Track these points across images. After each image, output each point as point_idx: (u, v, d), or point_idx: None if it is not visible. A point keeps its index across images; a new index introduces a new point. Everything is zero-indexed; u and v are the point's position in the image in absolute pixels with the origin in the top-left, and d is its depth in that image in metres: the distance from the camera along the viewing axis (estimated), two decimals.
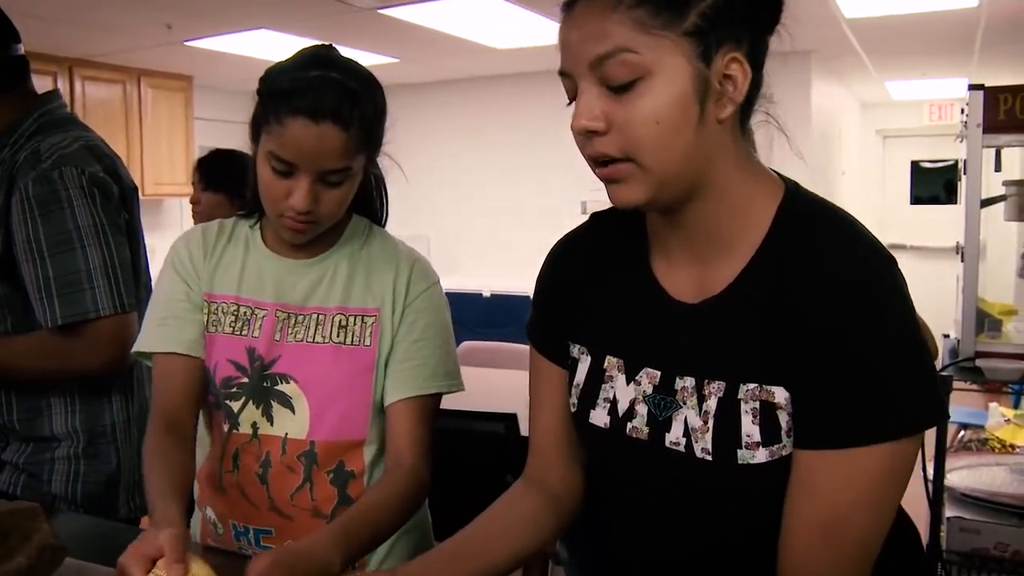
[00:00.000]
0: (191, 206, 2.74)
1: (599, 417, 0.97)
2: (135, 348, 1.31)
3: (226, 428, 1.27)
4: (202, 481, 1.34)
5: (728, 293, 0.88)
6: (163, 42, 4.60)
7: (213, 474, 1.32)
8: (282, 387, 1.25)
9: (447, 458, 1.45)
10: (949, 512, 1.96)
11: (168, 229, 5.94)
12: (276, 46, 4.55)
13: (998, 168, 2.43)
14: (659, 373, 0.92)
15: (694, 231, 0.90)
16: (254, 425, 1.26)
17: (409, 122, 6.61)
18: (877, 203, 7.94)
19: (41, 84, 1.74)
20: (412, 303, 1.28)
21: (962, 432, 2.85)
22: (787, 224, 0.88)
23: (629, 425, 0.94)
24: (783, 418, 0.84)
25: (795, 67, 5.29)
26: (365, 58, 5.22)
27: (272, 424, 1.25)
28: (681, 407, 0.89)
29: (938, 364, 1.70)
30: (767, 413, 0.84)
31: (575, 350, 1.01)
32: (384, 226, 1.40)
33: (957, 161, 3.88)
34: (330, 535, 1.02)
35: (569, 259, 1.05)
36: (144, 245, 1.77)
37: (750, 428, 0.85)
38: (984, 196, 2.19)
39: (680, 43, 0.80)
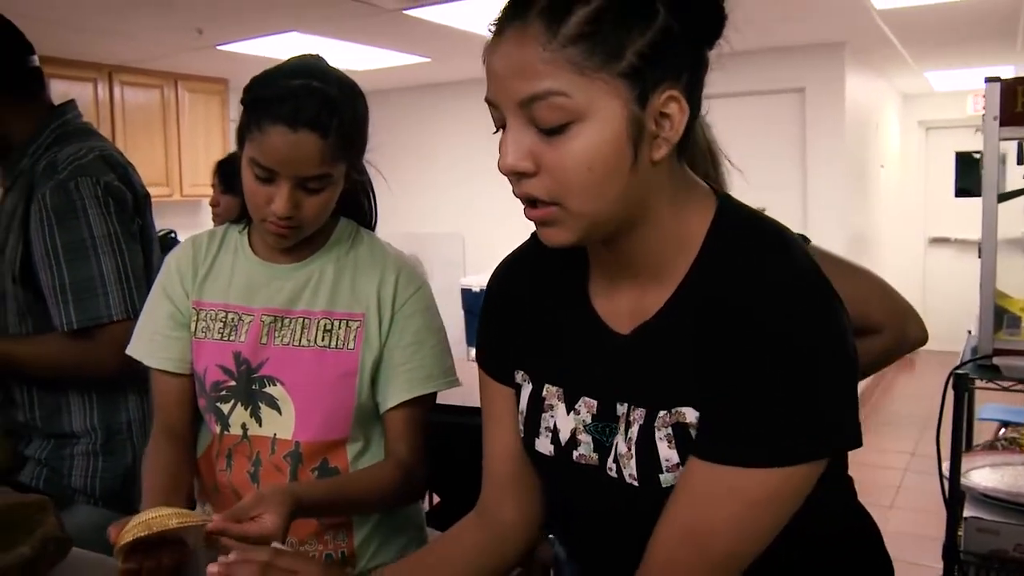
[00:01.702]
0: (211, 208, 2.79)
1: (543, 445, 0.95)
2: (128, 351, 1.38)
3: (218, 430, 1.32)
4: (201, 478, 1.39)
5: (657, 320, 0.87)
6: (196, 47, 4.70)
7: (208, 474, 1.36)
8: (269, 389, 1.29)
9: (450, 454, 1.48)
10: (968, 512, 1.92)
11: (206, 229, 6.05)
12: (307, 48, 4.58)
13: (1020, 161, 2.37)
14: (596, 403, 0.91)
15: (628, 259, 0.88)
16: (244, 426, 1.30)
17: (443, 121, 6.65)
18: (919, 196, 7.79)
19: (81, 91, 1.81)
20: (401, 308, 1.31)
21: (1003, 430, 2.79)
22: (715, 245, 0.85)
23: (575, 453, 0.92)
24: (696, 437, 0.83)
25: (828, 59, 5.22)
26: (397, 59, 5.27)
27: (261, 425, 1.29)
28: (616, 434, 0.89)
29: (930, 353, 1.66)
30: (681, 435, 0.84)
31: (519, 376, 1.00)
32: (373, 229, 1.42)
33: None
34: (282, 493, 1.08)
35: (511, 280, 1.03)
36: (156, 250, 1.82)
37: (667, 452, 0.84)
38: (1010, 189, 2.15)
39: (615, 84, 0.76)
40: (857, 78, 5.56)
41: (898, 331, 1.52)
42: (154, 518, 1.01)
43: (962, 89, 7.11)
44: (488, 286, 1.06)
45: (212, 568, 0.85)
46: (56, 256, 1.58)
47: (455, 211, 6.44)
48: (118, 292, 1.60)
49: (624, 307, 0.90)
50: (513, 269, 1.04)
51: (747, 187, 1.25)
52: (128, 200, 1.69)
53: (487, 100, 0.81)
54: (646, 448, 0.85)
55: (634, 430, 0.87)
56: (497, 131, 0.82)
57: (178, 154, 5.57)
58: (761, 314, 0.78)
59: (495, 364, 1.03)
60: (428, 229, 6.55)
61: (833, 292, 0.81)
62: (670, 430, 0.84)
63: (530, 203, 0.81)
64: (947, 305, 6.59)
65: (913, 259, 7.72)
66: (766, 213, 0.92)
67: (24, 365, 1.65)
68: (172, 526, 1.01)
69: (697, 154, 1.29)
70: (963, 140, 6.93)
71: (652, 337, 0.87)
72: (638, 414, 0.87)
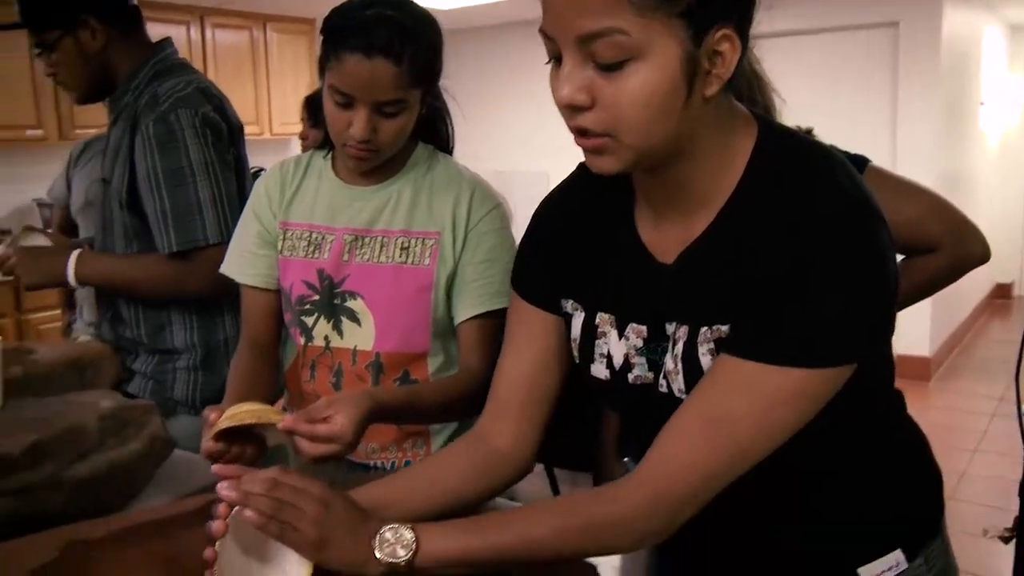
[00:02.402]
0: (301, 141, 2.89)
1: (599, 370, 0.99)
2: (222, 269, 1.49)
3: (302, 342, 1.42)
4: (288, 388, 1.50)
5: (700, 243, 0.90)
6: None
7: (295, 384, 1.47)
8: (350, 303, 1.38)
9: None
10: None
11: None
12: None
13: None
14: (644, 328, 0.94)
15: (673, 188, 0.90)
16: (326, 338, 1.40)
17: (527, 60, 6.61)
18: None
19: (175, 33, 1.92)
20: (474, 227, 1.37)
21: None
22: (757, 168, 0.88)
23: (631, 375, 0.96)
24: None
25: None
26: None
27: (342, 337, 1.39)
28: (666, 353, 0.93)
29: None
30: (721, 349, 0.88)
31: (568, 305, 1.02)
32: (451, 154, 1.48)
33: None
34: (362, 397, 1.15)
35: (559, 211, 1.06)
36: (249, 179, 1.92)
37: (710, 365, 0.88)
38: None
39: (672, 24, 0.77)
40: (956, 12, 5.30)
41: (957, 248, 1.51)
42: (240, 412, 1.11)
43: None
44: (535, 217, 1.08)
45: (221, 487, 0.87)
46: (158, 183, 1.70)
47: (540, 149, 6.43)
48: (213, 217, 1.71)
49: (669, 235, 0.93)
50: (560, 201, 1.07)
51: (832, 124, 1.25)
52: (223, 130, 1.79)
53: (542, 32, 0.83)
54: (690, 363, 0.90)
55: (679, 347, 0.91)
56: (549, 62, 0.84)
57: (267, 93, 5.73)
58: (800, 230, 0.82)
59: (538, 290, 1.06)
60: (514, 167, 6.58)
61: (875, 210, 0.84)
62: (711, 344, 0.88)
63: (581, 133, 0.84)
64: None
65: (1016, 201, 7.39)
66: (813, 135, 0.93)
67: (130, 281, 1.80)
68: (248, 422, 1.10)
69: (742, 82, 1.29)
70: None
71: (695, 261, 0.90)
72: (683, 331, 0.91)
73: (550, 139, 6.34)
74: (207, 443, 1.13)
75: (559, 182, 1.09)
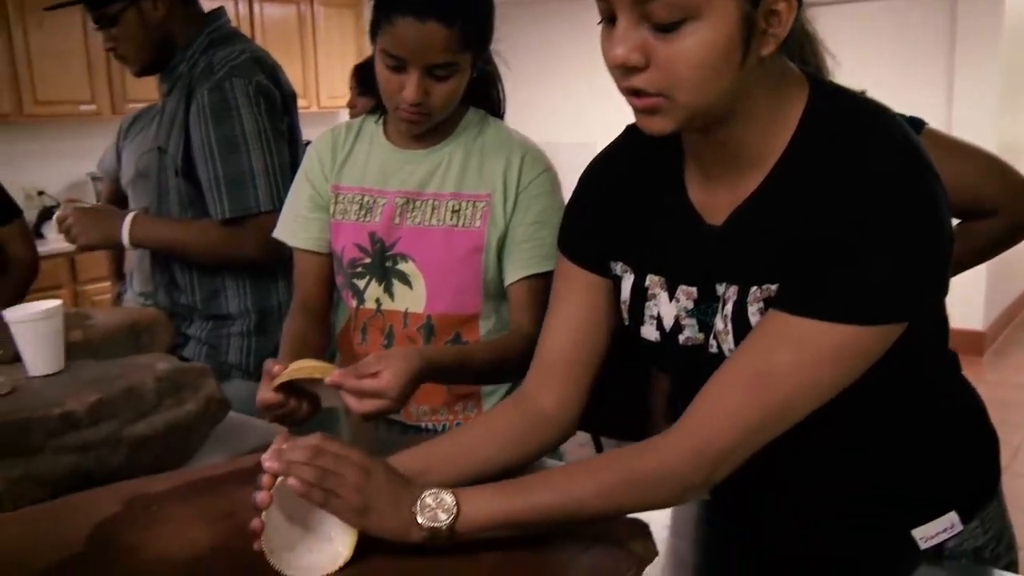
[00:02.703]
0: (348, 111, 2.91)
1: (649, 332, 0.99)
2: (274, 233, 1.51)
3: (354, 304, 1.44)
4: (341, 351, 1.53)
5: (750, 204, 0.89)
6: None
7: (347, 347, 1.49)
8: (401, 266, 1.39)
9: None
10: None
11: None
12: None
13: None
14: (695, 289, 0.94)
15: (724, 148, 0.89)
16: (377, 301, 1.41)
17: (576, 30, 6.57)
18: None
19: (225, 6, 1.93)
20: (525, 189, 1.37)
21: None
22: (809, 127, 0.87)
23: (681, 337, 0.96)
24: None
25: None
26: None
27: (393, 300, 1.40)
28: (716, 314, 0.93)
29: None
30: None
31: (617, 267, 1.02)
32: (501, 118, 1.48)
33: None
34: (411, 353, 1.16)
35: (608, 173, 1.05)
36: (301, 147, 1.94)
37: None
38: None
39: None
40: None
41: (1016, 211, 1.46)
42: (302, 367, 1.14)
43: None
44: (582, 179, 1.08)
45: (264, 457, 0.88)
46: (212, 150, 1.73)
47: (590, 121, 6.38)
48: (266, 185, 1.73)
49: (718, 196, 0.92)
50: (608, 163, 1.06)
51: (886, 92, 1.22)
52: (277, 99, 1.81)
53: None
54: (740, 322, 0.89)
55: (729, 307, 0.90)
56: (600, 22, 0.83)
57: (315, 67, 5.76)
58: (853, 188, 0.81)
59: (585, 251, 1.05)
60: (563, 139, 6.54)
61: (931, 169, 0.82)
62: (761, 304, 0.88)
63: (634, 93, 0.83)
64: None
65: None
66: (866, 95, 0.91)
67: (183, 245, 1.83)
68: (311, 376, 1.13)
69: (794, 42, 1.26)
70: None
71: (745, 221, 0.90)
72: (732, 291, 0.90)
73: (598, 111, 6.31)
74: (266, 393, 1.15)
75: (606, 146, 1.08)
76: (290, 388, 1.17)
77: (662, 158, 0.97)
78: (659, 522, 0.99)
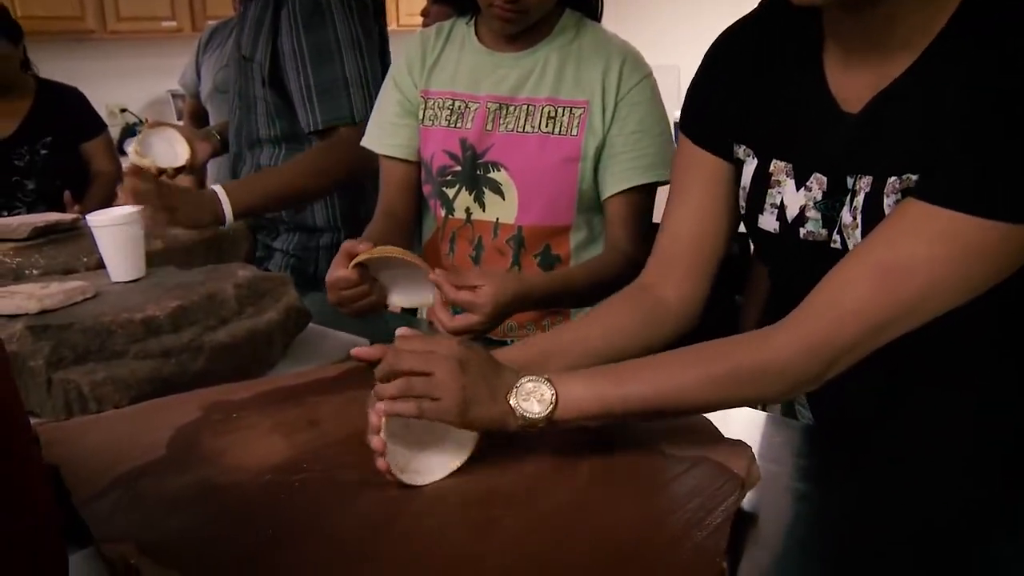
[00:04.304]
0: (422, 19, 2.82)
1: (767, 222, 0.93)
2: (362, 143, 1.44)
3: (443, 214, 1.38)
4: (428, 262, 1.46)
5: (894, 88, 0.81)
6: None
7: (434, 258, 1.43)
8: (493, 175, 1.32)
9: None
10: None
11: None
12: None
13: None
14: (826, 179, 0.87)
15: (874, 25, 0.81)
16: (467, 211, 1.35)
17: None
18: None
19: None
20: (625, 97, 1.28)
21: None
22: (969, 13, 0.77)
23: (803, 230, 0.90)
24: None
25: None
26: None
27: (484, 210, 1.34)
28: (843, 208, 0.85)
29: None
30: None
31: (740, 151, 0.96)
32: (599, 21, 1.38)
33: None
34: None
35: (737, 49, 0.97)
36: (390, 56, 1.86)
37: None
38: None
39: None
40: None
41: None
42: (389, 248, 1.11)
43: None
44: (709, 54, 1.01)
45: (376, 408, 0.81)
46: (303, 58, 1.65)
47: (671, 43, 6.17)
48: (359, 94, 1.66)
49: (860, 79, 0.84)
50: (739, 38, 0.98)
51: None
52: (369, 3, 1.73)
53: None
54: (872, 215, 0.81)
55: (860, 199, 0.83)
56: None
57: None
58: (1010, 80, 0.71)
59: (710, 132, 0.99)
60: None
61: None
62: (899, 196, 0.79)
63: None
64: None
65: None
66: None
67: (278, 189, 1.67)
68: (397, 255, 1.10)
69: None
70: None
71: (888, 107, 0.81)
72: (865, 182, 0.82)
73: (681, 32, 6.09)
74: (340, 270, 1.12)
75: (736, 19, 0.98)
76: (364, 276, 1.13)
77: (798, 36, 0.89)
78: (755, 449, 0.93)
